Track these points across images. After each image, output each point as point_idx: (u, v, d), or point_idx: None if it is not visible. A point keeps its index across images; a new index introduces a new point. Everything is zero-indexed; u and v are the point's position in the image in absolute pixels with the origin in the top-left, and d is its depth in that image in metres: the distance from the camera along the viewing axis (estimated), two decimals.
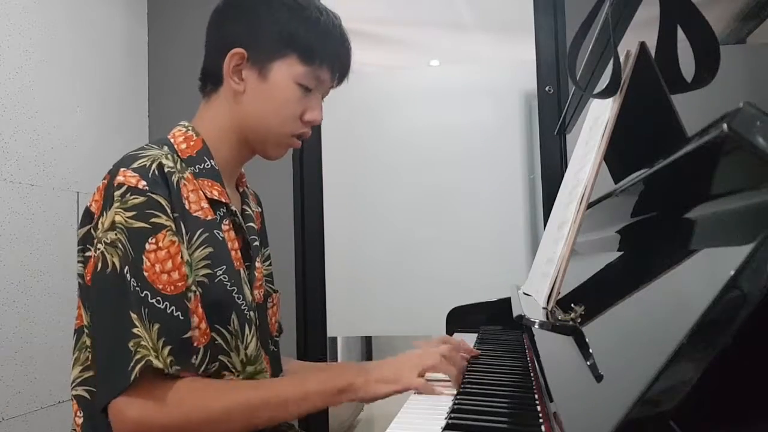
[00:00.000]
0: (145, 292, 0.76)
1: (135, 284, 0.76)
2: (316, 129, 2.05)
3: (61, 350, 1.61)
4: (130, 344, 0.73)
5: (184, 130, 0.93)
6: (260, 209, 1.08)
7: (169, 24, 2.09)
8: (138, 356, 0.73)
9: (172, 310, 0.77)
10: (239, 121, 0.93)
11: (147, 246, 0.78)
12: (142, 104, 2.09)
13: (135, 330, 0.74)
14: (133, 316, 0.74)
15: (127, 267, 0.76)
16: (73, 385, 0.84)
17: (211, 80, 0.95)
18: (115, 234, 0.77)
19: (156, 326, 0.75)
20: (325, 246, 2.05)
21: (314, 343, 1.99)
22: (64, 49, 1.73)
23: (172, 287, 0.78)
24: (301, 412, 0.81)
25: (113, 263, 0.77)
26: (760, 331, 0.32)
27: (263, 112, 0.92)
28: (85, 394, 0.83)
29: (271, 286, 1.04)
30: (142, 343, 0.73)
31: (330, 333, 2.06)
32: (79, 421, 0.83)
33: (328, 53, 0.92)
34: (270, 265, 1.07)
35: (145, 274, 0.77)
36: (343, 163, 2.10)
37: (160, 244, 0.78)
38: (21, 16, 1.58)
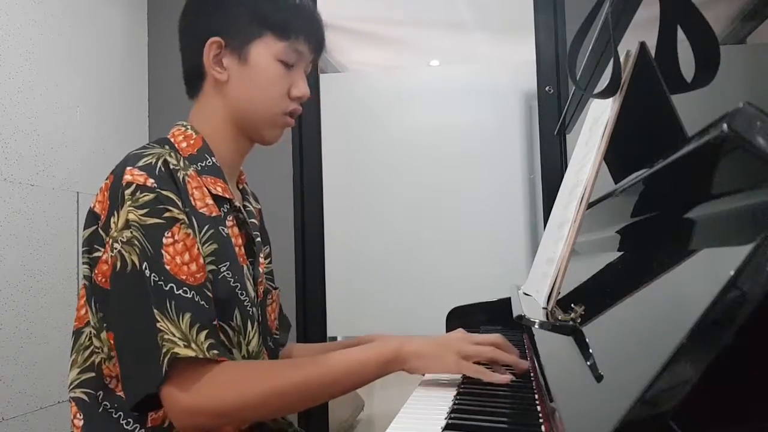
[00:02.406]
0: (170, 285, 0.76)
1: (157, 279, 0.76)
2: (316, 129, 2.05)
3: (60, 350, 1.61)
4: (157, 338, 0.73)
5: (183, 129, 0.93)
6: (259, 206, 1.09)
7: (169, 24, 2.09)
8: (164, 349, 0.73)
9: (198, 299, 0.78)
10: (230, 111, 0.93)
11: (164, 240, 0.78)
12: (142, 104, 2.09)
13: (159, 325, 0.74)
14: (156, 311, 0.74)
15: (146, 264, 0.76)
16: (71, 387, 0.84)
17: (194, 79, 0.95)
18: (131, 232, 0.77)
19: (187, 315, 0.75)
20: (325, 246, 2.05)
21: (314, 343, 1.99)
22: (64, 49, 1.73)
23: (193, 278, 0.78)
24: (352, 386, 0.81)
25: (132, 261, 0.77)
26: (760, 331, 0.32)
27: (251, 95, 0.92)
28: (84, 397, 0.83)
29: (271, 283, 1.04)
30: (166, 336, 0.73)
31: (330, 333, 2.06)
32: (79, 423, 0.83)
33: (301, 25, 0.93)
34: (270, 262, 1.07)
35: (167, 267, 0.77)
36: (343, 163, 2.10)
37: (176, 237, 0.79)
38: (21, 16, 1.57)
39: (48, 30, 1.67)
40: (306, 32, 0.93)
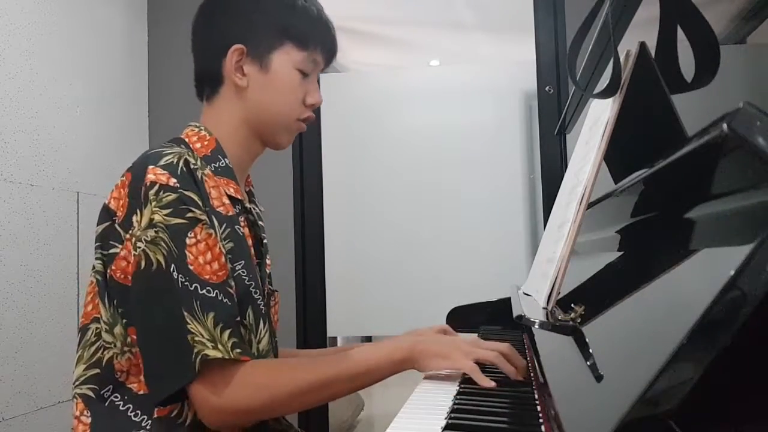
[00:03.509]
0: (194, 285, 0.78)
1: (183, 280, 0.78)
2: (316, 129, 2.05)
3: (60, 350, 1.61)
4: (188, 338, 0.76)
5: (197, 129, 0.94)
6: (263, 209, 1.10)
7: (169, 24, 2.09)
8: (195, 350, 0.75)
9: (222, 297, 0.80)
10: (247, 115, 0.95)
11: (188, 240, 0.80)
12: (142, 104, 2.09)
13: (189, 327, 0.76)
14: (185, 313, 0.76)
15: (173, 264, 0.78)
16: (77, 383, 0.85)
17: (209, 83, 0.96)
18: (155, 232, 0.79)
19: (211, 314, 0.78)
20: (325, 246, 2.05)
21: (314, 343, 1.99)
22: (64, 49, 1.73)
23: (216, 277, 0.80)
24: (368, 384, 0.84)
25: (158, 261, 0.78)
26: (760, 331, 0.32)
27: (270, 101, 0.95)
28: (90, 393, 0.84)
29: (270, 286, 1.05)
30: (197, 338, 0.76)
31: (330, 333, 2.06)
32: (87, 420, 0.83)
33: (319, 36, 0.96)
34: (269, 265, 1.08)
35: (191, 267, 0.79)
36: (343, 163, 2.10)
37: (199, 237, 0.81)
38: (21, 16, 1.58)
39: (48, 30, 1.67)
40: (323, 43, 0.97)
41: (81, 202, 1.74)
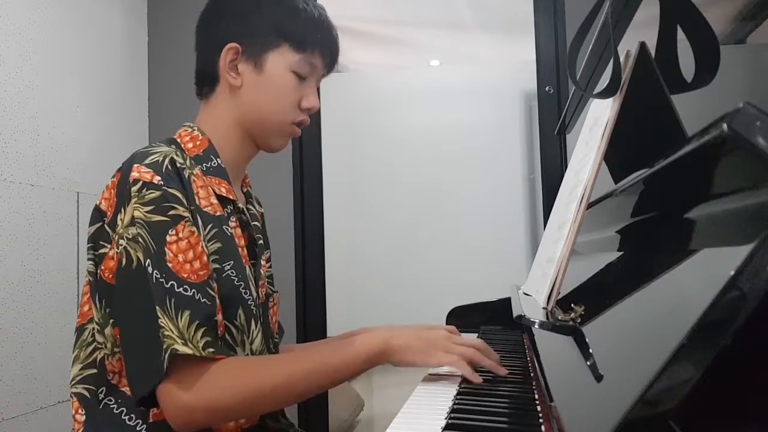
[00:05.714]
0: (171, 282, 0.77)
1: (158, 276, 0.77)
2: (316, 129, 2.05)
3: (60, 350, 1.61)
4: (159, 334, 0.75)
5: (190, 130, 0.94)
6: (262, 210, 1.10)
7: (169, 24, 2.09)
8: (164, 345, 0.74)
9: (200, 296, 0.79)
10: (240, 115, 0.94)
11: (168, 238, 0.79)
12: (142, 104, 2.09)
13: (160, 321, 0.75)
14: (158, 309, 0.76)
15: (149, 261, 0.77)
16: (73, 383, 0.85)
17: (207, 81, 0.96)
18: (136, 229, 0.79)
19: (186, 313, 0.76)
20: (325, 246, 2.05)
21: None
22: (64, 49, 1.73)
23: (196, 276, 0.79)
24: (343, 379, 0.83)
25: (137, 258, 0.78)
26: (760, 331, 0.32)
27: (262, 102, 0.94)
28: (85, 392, 0.84)
29: (271, 287, 1.05)
30: (166, 333, 0.75)
31: (330, 333, 2.06)
32: (81, 418, 0.84)
33: (318, 40, 0.95)
34: (270, 267, 1.08)
35: (169, 265, 0.78)
36: (343, 163, 2.10)
37: (180, 235, 0.80)
38: (21, 16, 1.57)
39: (48, 30, 1.67)
40: (322, 46, 0.95)
41: (81, 202, 1.74)
